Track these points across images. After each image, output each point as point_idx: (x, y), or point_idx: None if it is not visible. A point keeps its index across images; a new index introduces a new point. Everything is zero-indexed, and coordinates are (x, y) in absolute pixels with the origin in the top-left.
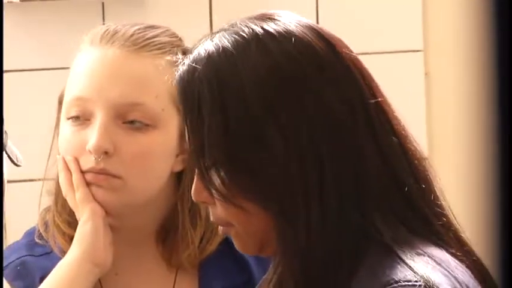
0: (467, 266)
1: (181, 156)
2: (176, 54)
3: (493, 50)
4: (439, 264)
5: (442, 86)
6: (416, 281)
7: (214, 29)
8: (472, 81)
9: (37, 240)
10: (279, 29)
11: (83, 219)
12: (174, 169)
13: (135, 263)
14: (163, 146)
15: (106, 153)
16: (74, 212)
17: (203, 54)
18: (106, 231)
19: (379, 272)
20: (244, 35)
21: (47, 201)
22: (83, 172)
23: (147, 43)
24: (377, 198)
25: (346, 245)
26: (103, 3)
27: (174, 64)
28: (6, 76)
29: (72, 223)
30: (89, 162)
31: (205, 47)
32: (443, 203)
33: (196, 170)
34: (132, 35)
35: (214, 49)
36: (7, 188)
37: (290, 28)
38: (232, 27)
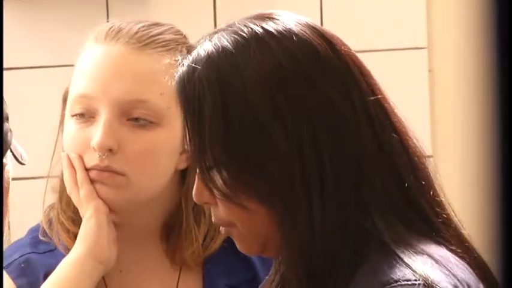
0: (468, 263)
1: (186, 154)
2: (181, 51)
3: (497, 47)
4: (438, 262)
5: (446, 83)
6: (415, 280)
7: (219, 27)
8: (476, 78)
9: (41, 238)
10: (279, 28)
11: (87, 217)
12: (178, 167)
13: (139, 260)
14: (167, 143)
15: (110, 150)
16: (78, 209)
17: (203, 55)
18: (110, 229)
19: (379, 271)
20: (244, 34)
21: (51, 198)
22: (87, 169)
23: (151, 40)
24: (377, 196)
25: (347, 243)
26: (107, 1)
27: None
28: (10, 73)
29: (77, 220)
30: (93, 159)
31: (205, 47)
32: (443, 199)
33: (197, 171)
34: (136, 33)
35: (213, 49)
36: (11, 185)
37: (289, 27)
38: (231, 27)
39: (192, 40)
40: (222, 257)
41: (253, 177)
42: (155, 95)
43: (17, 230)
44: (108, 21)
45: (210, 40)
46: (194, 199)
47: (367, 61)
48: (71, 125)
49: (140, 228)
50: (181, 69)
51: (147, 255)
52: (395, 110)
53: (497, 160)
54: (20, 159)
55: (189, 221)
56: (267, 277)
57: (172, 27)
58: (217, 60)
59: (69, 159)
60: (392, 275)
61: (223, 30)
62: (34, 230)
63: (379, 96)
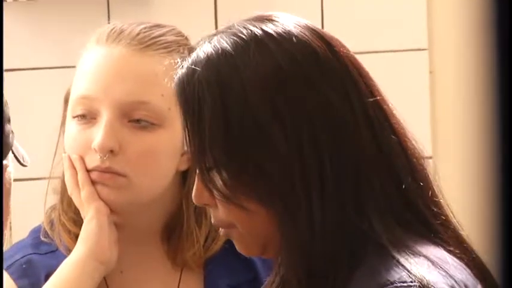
0: (466, 264)
1: (187, 155)
2: (182, 53)
3: (497, 48)
4: (435, 263)
5: (447, 85)
6: (411, 282)
7: (219, 28)
8: (476, 79)
9: (42, 239)
10: (278, 29)
11: (88, 218)
12: (180, 168)
13: (140, 261)
14: (168, 144)
15: (111, 151)
16: (79, 210)
17: (202, 57)
18: (111, 230)
19: (375, 273)
20: (243, 36)
21: (53, 199)
22: (88, 170)
23: (153, 42)
24: (375, 197)
25: (345, 244)
26: (108, 2)
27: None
28: (12, 75)
29: (78, 221)
30: (94, 160)
31: (204, 49)
32: (441, 201)
33: (197, 172)
34: (138, 34)
35: (213, 51)
36: (13, 186)
37: (289, 29)
38: (230, 29)
39: (193, 42)
40: (223, 258)
41: (253, 178)
42: (156, 96)
43: (18, 231)
44: (109, 23)
45: (209, 42)
46: (194, 200)
47: (368, 62)
48: (72, 126)
49: (141, 229)
50: (181, 71)
51: (148, 256)
52: (394, 112)
53: (498, 161)
54: (21, 161)
55: (190, 223)
56: (267, 279)
57: (173, 29)
58: (217, 62)
59: (70, 160)
60: (388, 277)
61: (223, 32)
62: (35, 231)
63: (378, 97)
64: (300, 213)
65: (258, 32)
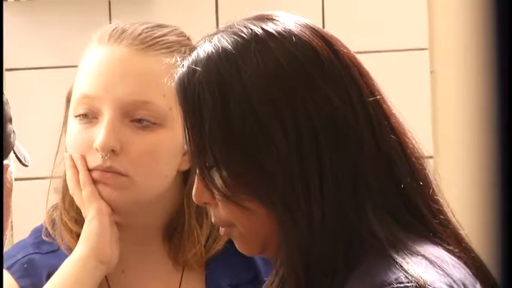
0: (465, 263)
1: (188, 155)
2: (184, 53)
3: (498, 48)
4: (433, 262)
5: (447, 84)
6: (408, 282)
7: (220, 27)
8: (477, 79)
9: (44, 238)
10: (278, 28)
11: (89, 217)
12: (181, 168)
13: (141, 260)
14: (170, 144)
15: (113, 151)
16: (81, 210)
17: (202, 56)
18: (112, 229)
19: (372, 273)
20: (244, 35)
21: (55, 199)
22: (89, 170)
23: (155, 42)
24: (374, 196)
25: (344, 244)
26: (109, 2)
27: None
28: (13, 74)
29: (79, 221)
30: (95, 160)
31: (205, 48)
32: (441, 200)
33: (197, 172)
34: (140, 34)
35: (213, 50)
36: (14, 185)
37: (289, 28)
38: (231, 28)
39: (194, 42)
40: (224, 258)
41: (253, 177)
42: (158, 96)
43: (19, 230)
44: (110, 23)
45: (209, 41)
46: (194, 199)
47: (369, 62)
48: (74, 126)
49: (143, 229)
50: (181, 70)
51: (150, 256)
52: (394, 111)
53: (498, 160)
54: (23, 161)
55: (191, 222)
56: (268, 278)
57: (175, 29)
58: (217, 61)
59: (72, 159)
60: (385, 278)
61: (223, 31)
62: (37, 231)
63: (378, 97)
64: (300, 213)
65: (259, 31)
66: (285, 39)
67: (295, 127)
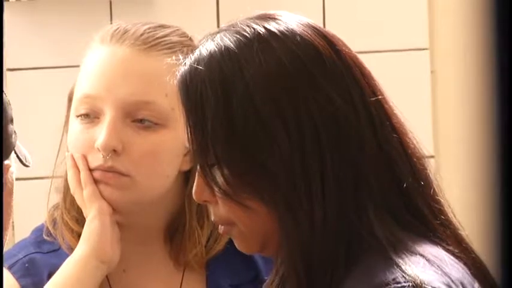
0: (465, 263)
1: (190, 156)
2: (186, 54)
3: (498, 48)
4: (431, 261)
5: (448, 84)
6: (405, 282)
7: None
8: (477, 79)
9: (45, 237)
10: (281, 28)
11: (90, 217)
12: (182, 168)
13: (142, 260)
14: (172, 145)
15: (114, 151)
16: (82, 210)
17: (205, 54)
18: (113, 229)
19: (371, 273)
20: (247, 34)
21: (56, 198)
22: (91, 170)
23: (157, 42)
24: (376, 196)
25: (344, 243)
26: (110, 2)
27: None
28: (15, 74)
29: (81, 220)
30: (97, 160)
31: (207, 47)
32: (442, 200)
33: (198, 169)
34: (142, 34)
35: (216, 48)
36: (15, 185)
37: (292, 27)
38: (233, 27)
39: (196, 42)
40: (225, 258)
41: (254, 175)
42: (160, 96)
43: (20, 230)
44: (111, 23)
45: (212, 40)
46: (194, 197)
47: (370, 62)
48: (76, 125)
49: (144, 229)
50: (183, 69)
51: (151, 256)
52: (395, 111)
53: (499, 160)
54: (24, 162)
55: (192, 223)
56: (267, 278)
57: (178, 29)
58: (220, 60)
59: (73, 159)
60: (383, 278)
61: (226, 30)
62: (38, 230)
63: (380, 97)
64: (301, 212)
65: (261, 30)
66: (287, 38)
67: (298, 126)
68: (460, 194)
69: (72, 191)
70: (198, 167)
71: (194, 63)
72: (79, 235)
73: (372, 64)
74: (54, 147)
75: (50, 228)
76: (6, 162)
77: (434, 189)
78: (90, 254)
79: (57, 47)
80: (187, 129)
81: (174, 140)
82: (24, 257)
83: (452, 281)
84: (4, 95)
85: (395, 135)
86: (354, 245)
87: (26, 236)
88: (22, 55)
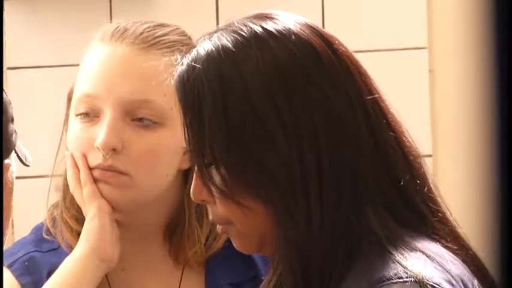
0: (464, 260)
1: (188, 154)
2: (185, 52)
3: (497, 47)
4: (431, 258)
5: (446, 83)
6: (407, 277)
7: (219, 26)
8: (476, 78)
9: (45, 236)
10: (278, 27)
11: (90, 216)
12: (182, 167)
13: (142, 259)
14: (171, 143)
15: (114, 150)
16: (81, 208)
17: (202, 53)
18: (113, 228)
19: (371, 269)
20: (244, 33)
21: (55, 197)
22: (90, 168)
23: (156, 41)
24: (373, 194)
25: (342, 241)
26: (110, 1)
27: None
28: (15, 73)
29: (80, 219)
30: (96, 158)
31: (204, 46)
32: (439, 199)
33: (195, 169)
34: (142, 33)
35: (213, 48)
36: (15, 183)
37: (289, 26)
38: (230, 26)
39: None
40: (224, 256)
41: (252, 175)
42: (159, 95)
43: (20, 228)
44: (111, 22)
45: (209, 39)
46: (192, 197)
47: (368, 61)
48: (75, 124)
49: (143, 228)
50: (181, 68)
51: (150, 255)
52: (391, 109)
53: (497, 159)
54: (24, 161)
55: (191, 222)
56: (264, 278)
57: (177, 28)
58: (217, 59)
59: (73, 158)
60: (384, 273)
61: (223, 29)
62: (38, 229)
63: (376, 95)
64: (298, 211)
65: (258, 29)
66: (284, 37)
67: (295, 125)
68: (457, 192)
69: (71, 189)
70: (196, 167)
71: (191, 62)
72: (79, 234)
73: (371, 63)
74: (53, 146)
75: (50, 226)
76: (6, 161)
77: (431, 188)
78: (89, 252)
79: (57, 46)
80: (184, 129)
81: (173, 138)
82: (23, 255)
83: (453, 277)
84: (5, 94)
85: (392, 134)
86: (353, 244)
87: (25, 234)
88: (22, 54)
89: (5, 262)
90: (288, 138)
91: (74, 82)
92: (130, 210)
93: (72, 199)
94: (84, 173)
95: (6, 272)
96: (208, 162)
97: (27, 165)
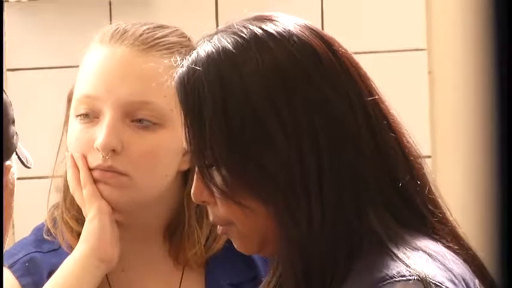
0: (465, 260)
1: (188, 155)
2: (185, 54)
3: (496, 49)
4: (433, 257)
5: (445, 85)
6: (410, 276)
7: (219, 28)
8: (475, 80)
9: (45, 237)
10: (278, 29)
11: (90, 216)
12: (181, 168)
13: (142, 259)
14: (170, 145)
15: (113, 151)
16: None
17: (202, 55)
18: (113, 228)
19: (374, 268)
20: (244, 35)
21: (56, 198)
22: (90, 169)
23: (156, 43)
24: (374, 195)
25: (343, 242)
26: (110, 3)
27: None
28: (15, 74)
29: (81, 219)
30: (96, 159)
31: (204, 48)
32: (439, 200)
33: (196, 170)
34: (141, 35)
35: (213, 49)
36: (16, 184)
37: (288, 28)
38: (230, 28)
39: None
40: (224, 257)
41: (252, 175)
42: (159, 97)
43: (21, 229)
44: (111, 23)
45: (209, 41)
46: (193, 198)
47: (367, 62)
48: (75, 125)
49: (143, 228)
50: (181, 70)
51: (150, 255)
52: (391, 110)
53: (496, 160)
54: (25, 163)
55: (191, 222)
56: (264, 278)
57: (177, 30)
58: (218, 60)
59: (73, 159)
60: (387, 272)
61: (223, 31)
62: (38, 229)
63: (376, 97)
64: (299, 212)
65: (258, 31)
66: (284, 39)
67: (295, 127)
68: (457, 193)
69: (71, 190)
70: (196, 168)
71: (192, 64)
72: (79, 234)
73: (370, 65)
74: (53, 147)
75: (50, 227)
76: (7, 163)
77: (431, 188)
78: (89, 253)
79: (56, 47)
80: (185, 130)
81: (173, 139)
82: (24, 256)
83: (455, 276)
84: (6, 96)
85: (392, 135)
86: (353, 244)
87: (26, 235)
88: (22, 55)
89: (6, 263)
90: (288, 139)
91: (74, 83)
92: (130, 211)
93: (73, 200)
94: (84, 174)
95: (7, 273)
96: (209, 163)
97: (29, 167)
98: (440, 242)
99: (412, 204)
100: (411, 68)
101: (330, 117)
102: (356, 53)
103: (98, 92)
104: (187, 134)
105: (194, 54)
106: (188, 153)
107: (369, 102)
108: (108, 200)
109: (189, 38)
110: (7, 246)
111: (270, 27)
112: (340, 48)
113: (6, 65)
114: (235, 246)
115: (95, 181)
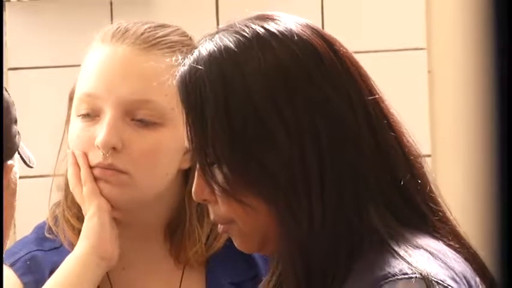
0: (466, 258)
1: (189, 154)
2: (186, 53)
3: (496, 48)
4: (435, 255)
5: (445, 84)
6: (412, 273)
7: (221, 27)
8: (475, 79)
9: (47, 235)
10: (280, 28)
11: (89, 214)
12: (182, 166)
13: (142, 258)
14: (171, 143)
15: (114, 148)
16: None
17: (204, 54)
18: (112, 226)
19: (375, 267)
20: (246, 34)
21: (57, 197)
22: (91, 167)
23: (157, 42)
24: (374, 194)
25: (344, 242)
26: (111, 3)
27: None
28: (17, 73)
29: (82, 218)
30: (97, 157)
31: (206, 46)
32: (439, 199)
33: (197, 169)
34: (142, 34)
35: (215, 48)
36: (18, 183)
37: (290, 27)
38: (232, 27)
39: (196, 41)
40: (225, 256)
41: (254, 174)
42: (160, 96)
43: (22, 227)
44: (112, 23)
45: (211, 40)
46: (194, 197)
47: (367, 62)
48: (77, 124)
49: (144, 227)
50: (183, 69)
51: (151, 254)
52: (392, 110)
53: (496, 159)
54: (27, 162)
55: (192, 221)
56: (264, 277)
57: (178, 29)
58: (219, 59)
59: (74, 156)
60: (389, 270)
61: (224, 30)
62: (40, 227)
63: (377, 96)
64: (300, 211)
65: (260, 30)
66: (286, 38)
67: (296, 125)
68: (456, 192)
69: (71, 188)
70: (198, 166)
71: (193, 63)
72: (80, 232)
73: (370, 64)
74: (55, 146)
75: (52, 225)
76: (9, 162)
77: (431, 187)
78: (89, 251)
79: (57, 47)
80: (186, 129)
81: (174, 138)
82: (25, 254)
83: (456, 274)
84: (8, 95)
85: (392, 134)
86: (354, 243)
87: (27, 233)
88: (23, 54)
89: (7, 261)
90: (289, 139)
91: (75, 82)
92: (130, 209)
93: (74, 198)
94: (84, 171)
95: (9, 271)
96: (211, 161)
97: (31, 167)
98: (441, 240)
99: (413, 203)
100: (411, 67)
101: (330, 116)
102: (356, 52)
103: (98, 91)
104: (189, 132)
105: (196, 53)
106: (189, 151)
107: (370, 101)
108: (108, 198)
109: (190, 37)
110: (8, 244)
111: (272, 27)
112: (341, 48)
113: (7, 64)
114: (236, 244)
115: (96, 179)
